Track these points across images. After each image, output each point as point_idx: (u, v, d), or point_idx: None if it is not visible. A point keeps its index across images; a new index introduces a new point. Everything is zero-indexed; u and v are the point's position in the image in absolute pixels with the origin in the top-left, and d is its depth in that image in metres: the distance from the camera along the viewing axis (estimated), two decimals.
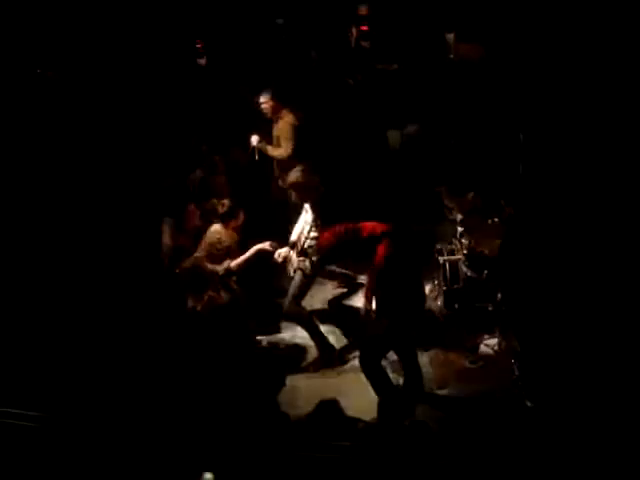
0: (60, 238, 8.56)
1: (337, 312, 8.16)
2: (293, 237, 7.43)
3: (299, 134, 8.42)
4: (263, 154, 8.52)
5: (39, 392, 6.51)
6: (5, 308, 7.68)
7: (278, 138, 8.48)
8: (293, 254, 7.30)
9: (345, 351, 7.60)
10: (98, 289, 8.02)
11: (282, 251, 7.33)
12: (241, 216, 7.41)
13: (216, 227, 7.36)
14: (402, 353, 6.75)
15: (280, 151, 8.43)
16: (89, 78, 10.18)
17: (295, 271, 7.33)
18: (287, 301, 7.38)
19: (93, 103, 9.97)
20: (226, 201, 7.45)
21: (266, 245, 7.30)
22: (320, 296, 8.27)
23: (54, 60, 10.25)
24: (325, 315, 8.07)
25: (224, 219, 7.36)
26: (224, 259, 7.20)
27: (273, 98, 8.50)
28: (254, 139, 8.46)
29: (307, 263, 7.24)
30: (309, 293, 7.58)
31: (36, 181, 9.07)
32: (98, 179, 9.13)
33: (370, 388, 6.58)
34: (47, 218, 8.75)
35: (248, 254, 7.27)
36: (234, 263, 7.19)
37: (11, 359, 7.08)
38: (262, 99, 8.54)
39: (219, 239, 7.25)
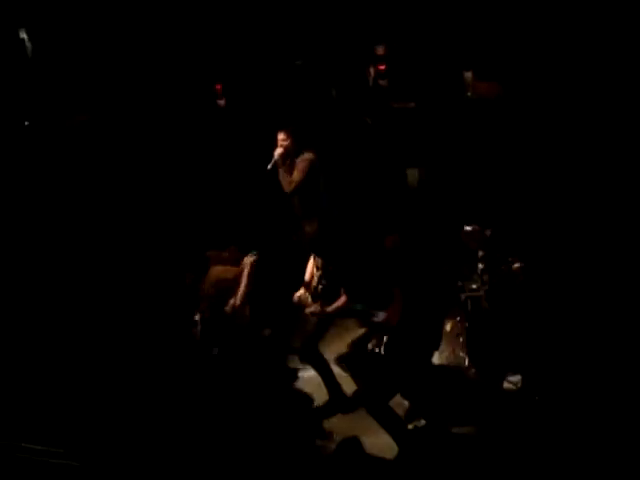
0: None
1: (355, 355, 8.10)
2: (307, 277, 7.42)
3: (312, 173, 8.40)
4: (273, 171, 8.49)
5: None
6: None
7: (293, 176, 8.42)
8: (308, 296, 7.29)
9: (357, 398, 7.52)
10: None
11: (299, 294, 7.33)
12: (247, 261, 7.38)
13: (217, 268, 7.35)
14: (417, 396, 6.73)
15: (289, 182, 8.36)
16: (114, 122, 10.36)
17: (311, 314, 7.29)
18: (303, 343, 7.35)
19: (116, 144, 10.12)
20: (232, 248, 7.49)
21: (249, 259, 7.22)
22: (338, 337, 8.20)
23: (86, 106, 10.46)
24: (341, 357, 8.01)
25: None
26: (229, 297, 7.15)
27: (291, 137, 8.40)
28: (277, 152, 8.40)
29: (319, 307, 7.18)
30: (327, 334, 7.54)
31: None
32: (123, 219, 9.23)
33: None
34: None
35: (243, 282, 7.19)
36: (237, 298, 7.13)
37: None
38: (281, 136, 8.50)
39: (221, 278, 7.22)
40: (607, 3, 8.83)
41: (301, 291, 7.35)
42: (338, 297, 7.05)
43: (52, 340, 7.73)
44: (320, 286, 7.19)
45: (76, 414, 6.83)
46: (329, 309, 7.07)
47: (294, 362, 7.81)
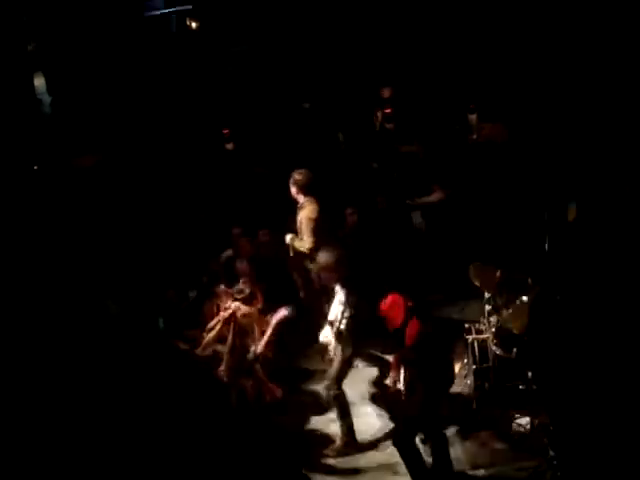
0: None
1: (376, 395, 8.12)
2: (331, 317, 7.39)
3: (320, 226, 8.36)
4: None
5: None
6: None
7: (300, 226, 8.47)
8: (332, 335, 7.31)
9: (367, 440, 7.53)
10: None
11: (325, 333, 7.34)
12: (259, 298, 7.42)
13: (244, 308, 7.39)
14: (431, 433, 6.71)
15: (304, 245, 8.35)
16: (123, 164, 10.49)
17: (335, 354, 7.31)
18: (327, 382, 7.33)
19: (126, 186, 10.23)
20: (244, 287, 7.47)
21: (283, 313, 7.19)
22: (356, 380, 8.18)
23: (96, 148, 10.59)
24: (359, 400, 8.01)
25: (245, 303, 7.41)
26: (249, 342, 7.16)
27: (296, 185, 8.43)
28: (288, 237, 8.49)
29: (342, 348, 7.20)
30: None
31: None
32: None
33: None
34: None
35: (269, 331, 7.17)
36: (260, 347, 7.06)
37: None
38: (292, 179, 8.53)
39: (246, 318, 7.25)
40: (605, 43, 8.92)
41: (327, 329, 7.35)
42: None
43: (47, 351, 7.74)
44: (343, 322, 7.19)
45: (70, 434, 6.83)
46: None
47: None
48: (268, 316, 7.70)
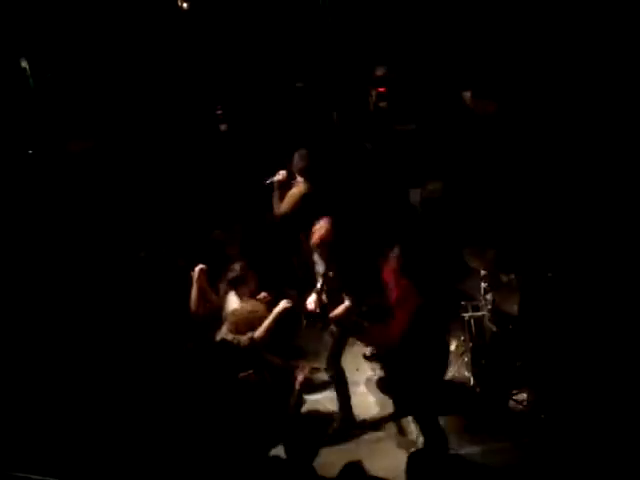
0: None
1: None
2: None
3: (304, 204, 8.35)
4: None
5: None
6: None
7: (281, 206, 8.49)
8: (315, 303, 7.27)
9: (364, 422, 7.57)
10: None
11: (312, 299, 7.25)
12: (252, 281, 7.33)
13: (232, 298, 7.26)
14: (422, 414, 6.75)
15: (278, 207, 8.42)
16: (117, 147, 10.45)
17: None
18: (327, 359, 7.35)
19: (119, 170, 10.19)
20: (236, 266, 7.34)
21: (284, 304, 7.02)
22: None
23: (89, 132, 10.55)
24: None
25: (234, 285, 7.25)
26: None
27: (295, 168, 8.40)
28: (281, 174, 8.45)
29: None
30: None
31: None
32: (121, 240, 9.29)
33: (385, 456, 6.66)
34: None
35: (270, 320, 6.95)
36: (257, 333, 6.94)
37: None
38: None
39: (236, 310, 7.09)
40: (599, 23, 8.87)
41: (314, 296, 7.28)
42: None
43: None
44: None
45: (70, 441, 6.85)
46: (332, 314, 7.05)
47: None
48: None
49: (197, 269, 7.39)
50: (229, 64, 11.45)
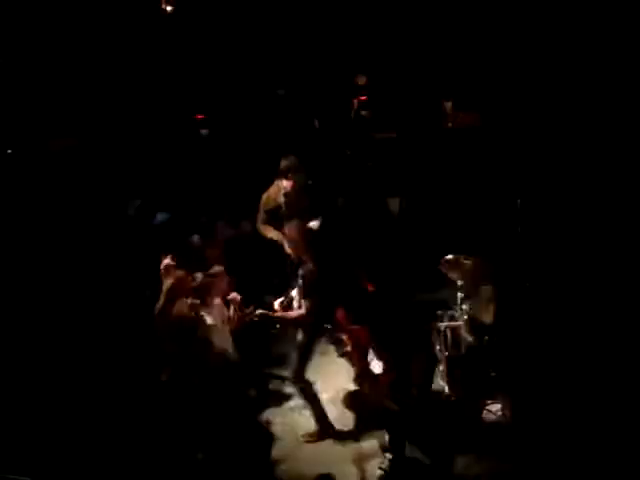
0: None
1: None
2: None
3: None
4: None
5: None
6: None
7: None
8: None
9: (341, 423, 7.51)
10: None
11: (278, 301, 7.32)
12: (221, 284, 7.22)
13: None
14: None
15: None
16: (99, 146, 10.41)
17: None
18: (292, 367, 7.28)
19: (101, 168, 10.15)
20: (199, 274, 7.10)
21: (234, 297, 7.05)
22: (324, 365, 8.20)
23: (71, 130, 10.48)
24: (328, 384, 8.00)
25: (197, 294, 6.93)
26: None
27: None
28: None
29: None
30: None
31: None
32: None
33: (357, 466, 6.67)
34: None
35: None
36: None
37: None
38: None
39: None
40: (578, 35, 8.96)
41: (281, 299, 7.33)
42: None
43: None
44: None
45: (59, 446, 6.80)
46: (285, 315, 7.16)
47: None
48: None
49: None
50: (211, 69, 11.44)
